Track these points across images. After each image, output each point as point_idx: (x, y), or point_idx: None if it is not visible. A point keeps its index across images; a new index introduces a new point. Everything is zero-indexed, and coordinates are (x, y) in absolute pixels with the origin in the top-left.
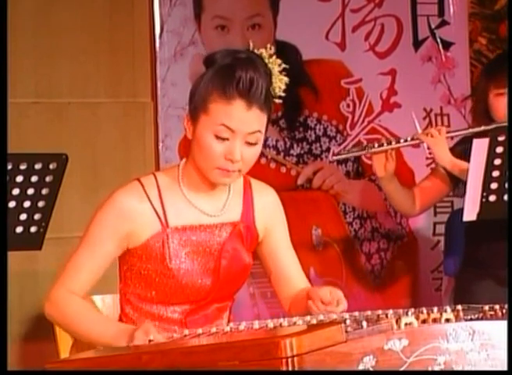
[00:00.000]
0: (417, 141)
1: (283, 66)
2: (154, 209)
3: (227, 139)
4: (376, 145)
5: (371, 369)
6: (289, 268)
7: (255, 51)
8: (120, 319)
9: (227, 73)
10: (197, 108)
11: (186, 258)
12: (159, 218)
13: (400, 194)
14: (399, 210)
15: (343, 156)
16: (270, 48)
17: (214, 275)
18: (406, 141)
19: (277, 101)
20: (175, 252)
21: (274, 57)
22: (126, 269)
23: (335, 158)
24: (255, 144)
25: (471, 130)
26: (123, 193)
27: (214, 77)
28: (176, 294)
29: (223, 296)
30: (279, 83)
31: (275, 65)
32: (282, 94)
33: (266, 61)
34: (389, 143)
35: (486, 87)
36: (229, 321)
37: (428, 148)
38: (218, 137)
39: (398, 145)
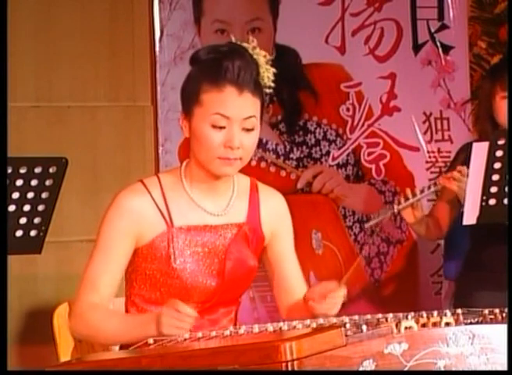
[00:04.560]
0: (439, 187)
1: (268, 57)
2: (158, 209)
3: (224, 127)
4: (403, 201)
5: None
6: (291, 277)
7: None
8: None
9: (214, 65)
10: (189, 103)
11: (190, 259)
12: (164, 218)
13: (428, 229)
14: (427, 239)
15: (374, 221)
16: (252, 41)
17: (219, 276)
18: (429, 188)
19: (268, 90)
20: (179, 252)
21: (258, 49)
22: (131, 270)
23: (367, 225)
24: (252, 129)
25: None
26: (126, 194)
27: (201, 70)
28: (180, 295)
29: (228, 299)
30: (267, 73)
31: (261, 56)
32: (272, 85)
33: (250, 52)
34: (414, 195)
35: (491, 89)
36: (235, 325)
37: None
38: (214, 127)
39: (423, 195)
